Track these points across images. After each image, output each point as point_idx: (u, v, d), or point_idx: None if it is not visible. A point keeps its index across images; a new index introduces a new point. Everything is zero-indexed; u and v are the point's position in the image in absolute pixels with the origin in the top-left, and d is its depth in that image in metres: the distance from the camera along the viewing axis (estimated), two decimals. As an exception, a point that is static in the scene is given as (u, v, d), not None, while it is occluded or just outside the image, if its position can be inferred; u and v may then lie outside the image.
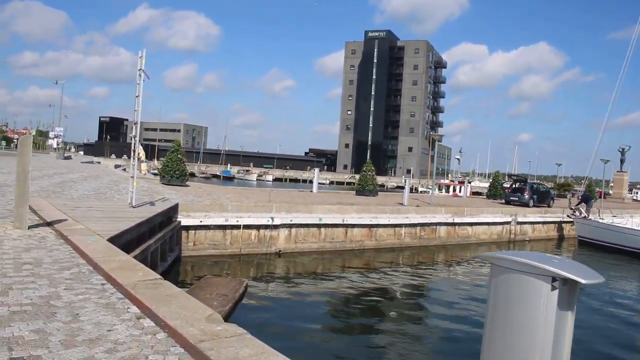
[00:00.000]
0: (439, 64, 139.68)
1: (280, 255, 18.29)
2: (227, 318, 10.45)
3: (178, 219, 15.73)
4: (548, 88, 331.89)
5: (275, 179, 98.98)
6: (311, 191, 30.36)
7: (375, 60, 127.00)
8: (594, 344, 11.51)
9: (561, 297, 4.60)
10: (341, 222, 20.07)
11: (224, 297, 11.30)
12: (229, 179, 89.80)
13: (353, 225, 20.52)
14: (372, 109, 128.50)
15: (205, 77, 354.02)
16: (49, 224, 9.51)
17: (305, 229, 19.21)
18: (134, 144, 13.62)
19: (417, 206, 24.57)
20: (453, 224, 24.63)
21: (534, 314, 4.63)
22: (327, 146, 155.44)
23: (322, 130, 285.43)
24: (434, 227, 23.80)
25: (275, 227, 18.23)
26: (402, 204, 25.29)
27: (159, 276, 6.24)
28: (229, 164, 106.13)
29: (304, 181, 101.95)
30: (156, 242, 12.07)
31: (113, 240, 8.77)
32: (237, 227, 17.30)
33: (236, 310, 11.20)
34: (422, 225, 23.15)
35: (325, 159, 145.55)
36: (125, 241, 9.82)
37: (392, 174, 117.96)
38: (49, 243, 7.77)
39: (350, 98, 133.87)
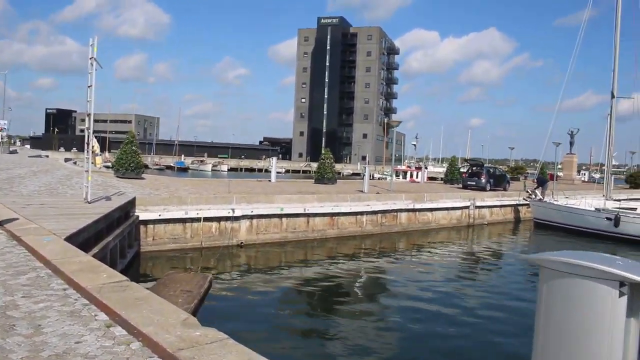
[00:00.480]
0: (392, 50, 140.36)
1: (242, 247, 17.91)
2: (194, 315, 10.09)
3: (136, 214, 15.17)
4: (498, 73, 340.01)
5: (231, 169, 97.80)
6: (269, 181, 29.92)
7: (328, 47, 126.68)
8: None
9: (629, 303, 4.17)
10: (302, 212, 19.80)
11: (188, 293, 10.90)
12: (183, 170, 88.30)
13: (315, 215, 20.27)
14: (326, 97, 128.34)
15: (157, 67, 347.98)
16: (-1, 224, 8.92)
17: (267, 220, 18.87)
18: (88, 136, 12.96)
19: (378, 193, 24.50)
20: (414, 210, 24.68)
21: (597, 322, 4.19)
22: (281, 134, 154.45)
23: (276, 119, 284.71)
24: (395, 213, 23.78)
25: (236, 218, 17.83)
26: (362, 191, 25.16)
27: (125, 277, 5.85)
28: (182, 155, 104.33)
29: (260, 170, 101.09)
30: (115, 239, 11.55)
31: (70, 239, 8.28)
32: (197, 219, 16.82)
33: (202, 307, 10.83)
34: (383, 212, 23.10)
35: (280, 148, 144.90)
36: (83, 239, 9.32)
37: (348, 161, 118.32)
38: (0, 245, 7.23)
39: (304, 86, 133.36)
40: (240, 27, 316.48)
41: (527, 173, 63.56)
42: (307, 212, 19.89)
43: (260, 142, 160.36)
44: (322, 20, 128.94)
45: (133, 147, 22.65)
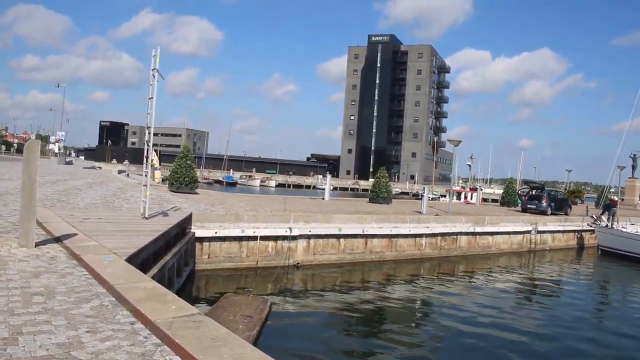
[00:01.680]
0: (443, 69, 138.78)
1: (299, 267, 17.24)
2: (255, 343, 9.42)
3: (192, 230, 14.69)
4: (549, 94, 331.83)
5: (278, 185, 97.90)
6: (323, 199, 29.29)
7: (378, 65, 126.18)
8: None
9: None
10: (361, 233, 19.02)
11: (249, 319, 10.24)
12: (231, 184, 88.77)
13: (373, 236, 19.46)
14: (375, 114, 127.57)
15: (207, 82, 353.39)
16: (58, 240, 8.46)
17: (324, 240, 18.16)
18: (147, 149, 12.55)
19: (437, 215, 23.50)
20: (474, 234, 23.58)
21: None
22: (328, 151, 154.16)
23: (323, 135, 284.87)
24: (455, 236, 22.74)
25: (294, 238, 17.17)
26: (420, 212, 24.23)
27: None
28: (231, 170, 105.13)
29: (307, 187, 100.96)
30: (172, 257, 11.01)
31: (131, 259, 7.73)
32: (253, 238, 16.24)
33: (263, 334, 10.15)
34: (443, 235, 22.11)
35: (328, 165, 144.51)
36: (143, 259, 8.79)
37: (396, 180, 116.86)
38: (61, 265, 6.71)
39: (353, 103, 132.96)
40: (291, 44, 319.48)
41: (585, 197, 61.24)
42: (365, 233, 19.10)
43: (308, 159, 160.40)
44: (373, 38, 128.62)
45: (188, 162, 22.34)
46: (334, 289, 15.63)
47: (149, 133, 12.23)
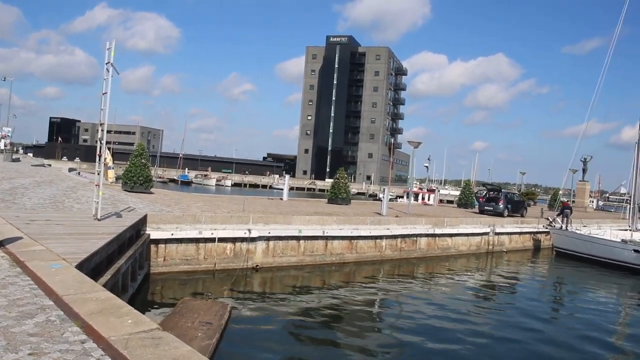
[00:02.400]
0: (400, 71, 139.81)
1: (258, 270, 16.77)
2: (214, 351, 8.95)
3: (147, 232, 14.06)
4: (504, 98, 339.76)
5: (234, 184, 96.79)
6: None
7: (336, 66, 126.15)
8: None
9: None
10: (321, 234, 18.69)
11: (208, 325, 9.74)
12: (186, 183, 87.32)
13: (333, 238, 19.17)
14: (332, 115, 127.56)
15: (163, 80, 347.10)
16: (0, 245, 7.80)
17: (284, 242, 17.76)
18: (100, 147, 11.87)
19: (397, 216, 23.35)
20: (433, 235, 23.56)
21: None
22: (284, 151, 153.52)
23: (280, 135, 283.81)
24: (415, 238, 22.65)
25: (253, 239, 16.70)
26: (380, 213, 24.05)
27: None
28: (186, 169, 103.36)
29: (264, 186, 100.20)
30: (127, 262, 10.41)
31: (82, 265, 7.16)
32: (211, 240, 15.70)
33: (222, 340, 9.67)
34: (403, 236, 21.98)
35: (284, 164, 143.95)
36: (95, 264, 8.21)
37: (353, 180, 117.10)
38: (2, 274, 6.09)
39: (310, 103, 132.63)
40: (249, 44, 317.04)
41: (538, 198, 62.55)
42: (325, 234, 18.78)
43: (264, 158, 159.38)
44: (331, 39, 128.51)
45: (143, 160, 21.53)
46: (294, 292, 15.23)
47: (102, 130, 11.58)
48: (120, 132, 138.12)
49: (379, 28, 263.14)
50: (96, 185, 12.11)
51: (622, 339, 14.13)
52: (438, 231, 23.68)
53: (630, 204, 32.76)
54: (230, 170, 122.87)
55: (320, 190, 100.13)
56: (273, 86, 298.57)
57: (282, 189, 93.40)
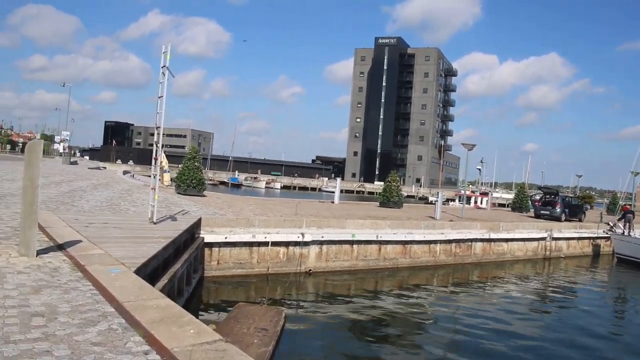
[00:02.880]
0: (450, 72, 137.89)
1: (311, 274, 16.60)
2: (272, 358, 8.79)
3: (201, 235, 14.06)
4: (556, 98, 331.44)
5: (284, 187, 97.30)
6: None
7: (385, 68, 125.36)
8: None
9: None
10: (375, 239, 18.38)
11: (264, 332, 9.60)
12: (236, 186, 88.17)
13: (387, 242, 18.82)
14: (381, 117, 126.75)
15: (213, 84, 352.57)
16: (61, 248, 7.83)
17: (337, 246, 17.51)
18: (156, 151, 11.91)
19: (451, 220, 22.82)
20: (489, 240, 22.92)
21: None
22: (332, 154, 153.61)
23: (328, 138, 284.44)
24: (470, 243, 22.07)
25: (306, 244, 16.52)
26: (433, 217, 23.57)
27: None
28: (236, 171, 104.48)
29: (313, 189, 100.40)
30: (182, 266, 10.38)
31: (140, 270, 7.11)
32: (264, 244, 15.60)
33: (278, 347, 9.50)
34: (458, 241, 21.45)
35: (333, 167, 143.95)
36: (152, 269, 8.17)
37: (402, 183, 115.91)
38: (64, 278, 6.06)
39: (359, 105, 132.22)
40: (298, 47, 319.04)
41: (594, 202, 60.47)
42: (379, 239, 18.45)
43: (313, 161, 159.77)
44: (380, 40, 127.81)
45: (196, 163, 21.70)
46: (348, 298, 14.99)
47: (158, 134, 11.61)
48: (171, 135, 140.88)
49: (428, 29, 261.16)
50: (152, 188, 12.16)
51: None
52: (493, 236, 23.03)
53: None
54: (279, 173, 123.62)
55: (369, 193, 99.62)
56: (321, 89, 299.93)
57: (331, 192, 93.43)
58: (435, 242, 20.51)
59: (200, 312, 11.90)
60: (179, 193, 21.60)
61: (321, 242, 17.00)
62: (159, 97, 11.55)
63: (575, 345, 12.09)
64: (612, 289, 22.80)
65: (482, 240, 22.57)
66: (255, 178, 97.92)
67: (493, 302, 16.52)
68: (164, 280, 8.47)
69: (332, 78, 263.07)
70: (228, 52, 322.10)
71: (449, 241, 21.08)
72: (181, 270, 10.20)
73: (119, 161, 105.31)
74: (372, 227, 18.61)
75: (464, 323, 13.55)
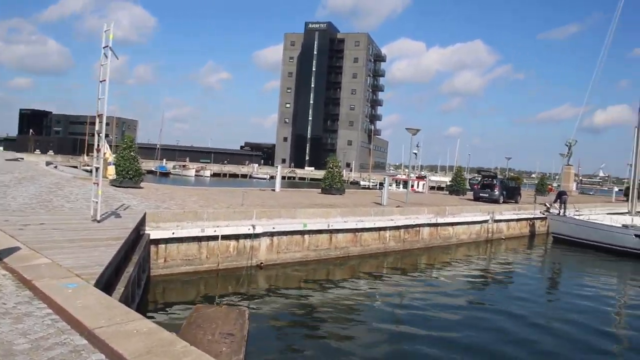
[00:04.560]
0: (379, 57, 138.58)
1: (262, 267, 15.80)
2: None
3: (146, 232, 12.96)
4: (479, 84, 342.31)
5: (214, 174, 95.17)
6: (273, 190, 27.77)
7: (315, 53, 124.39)
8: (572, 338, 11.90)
9: None
10: (326, 228, 17.78)
11: (230, 337, 8.75)
12: (164, 174, 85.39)
13: (337, 231, 18.28)
14: (311, 102, 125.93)
15: (137, 69, 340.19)
16: (-2, 258, 6.69)
17: (288, 237, 16.79)
18: (98, 140, 10.73)
19: (398, 206, 22.48)
20: (436, 225, 22.83)
21: None
22: (262, 139, 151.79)
23: (256, 124, 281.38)
24: (417, 228, 21.89)
25: (257, 236, 15.69)
26: (379, 203, 23.18)
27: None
28: (164, 159, 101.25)
29: (244, 176, 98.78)
30: (134, 269, 9.35)
31: (98, 282, 6.11)
32: (214, 238, 14.64)
33: (247, 352, 8.69)
34: (406, 227, 21.19)
35: (262, 153, 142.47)
36: (107, 277, 7.16)
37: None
38: (10, 300, 5.01)
39: (288, 91, 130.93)
40: (226, 32, 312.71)
41: (523, 183, 62.33)
42: (330, 228, 17.86)
43: (242, 147, 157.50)
44: (310, 25, 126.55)
45: (132, 153, 20.28)
46: (302, 291, 14.33)
47: (100, 122, 10.44)
48: (94, 124, 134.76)
49: (358, 15, 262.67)
50: (94, 183, 10.99)
51: (622, 323, 14.52)
52: (440, 220, 22.96)
53: (632, 188, 32.26)
54: (208, 160, 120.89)
55: (300, 178, 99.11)
56: (250, 74, 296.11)
57: (262, 179, 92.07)
58: (384, 228, 20.14)
59: (154, 317, 10.90)
60: (113, 185, 20.09)
61: (272, 234, 16.22)
62: (101, 81, 10.37)
63: (510, 329, 12.38)
64: (550, 266, 23.97)
65: (429, 225, 22.43)
66: (184, 166, 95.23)
67: (439, 288, 16.51)
68: (119, 289, 7.45)
69: (261, 63, 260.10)
70: (153, 37, 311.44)
71: (398, 227, 20.78)
72: (134, 274, 9.17)
73: (37, 151, 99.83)
74: (323, 216, 17.95)
75: (413, 311, 13.45)
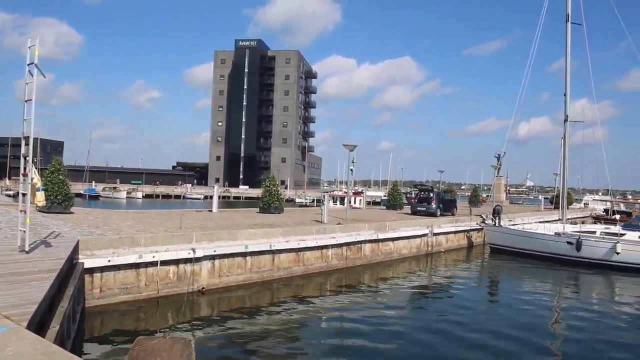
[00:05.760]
0: (310, 74, 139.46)
1: (204, 292, 15.20)
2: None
3: (80, 260, 12.17)
4: (410, 99, 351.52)
5: (146, 196, 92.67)
6: (210, 211, 27.07)
7: (246, 70, 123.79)
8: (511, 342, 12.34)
9: None
10: (268, 249, 17.35)
11: (178, 373, 8.19)
12: (94, 197, 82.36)
13: (280, 251, 17.89)
14: (243, 120, 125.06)
15: (63, 88, 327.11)
16: None
17: (230, 260, 16.26)
18: (25, 164, 9.96)
19: (339, 224, 22.32)
20: (377, 241, 22.83)
21: None
22: (195, 159, 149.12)
23: (188, 143, 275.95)
24: (359, 245, 21.79)
25: (197, 259, 15.10)
26: (319, 221, 22.95)
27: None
28: (93, 182, 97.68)
29: (177, 197, 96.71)
30: (69, 303, 8.66)
31: (30, 324, 5.52)
32: (152, 264, 13.95)
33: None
34: (348, 244, 21.07)
35: (195, 172, 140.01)
36: (41, 316, 6.52)
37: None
38: None
39: (220, 109, 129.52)
40: (155, 51, 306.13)
41: (458, 195, 63.87)
42: (272, 248, 17.45)
43: (174, 167, 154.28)
44: (240, 43, 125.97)
45: (60, 176, 19.23)
46: (246, 316, 13.85)
47: (27, 144, 9.70)
48: (16, 146, 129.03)
49: (290, 32, 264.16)
50: (21, 211, 10.19)
51: (559, 325, 15.26)
52: (381, 236, 22.99)
53: (562, 197, 33.43)
54: (140, 182, 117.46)
55: (235, 197, 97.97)
56: (181, 93, 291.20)
57: (196, 199, 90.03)
58: (327, 247, 19.93)
59: (88, 353, 10.17)
60: (42, 211, 18.95)
61: (213, 257, 15.67)
62: (26, 101, 9.64)
63: (451, 334, 12.88)
64: (488, 276, 24.43)
65: (370, 241, 22.40)
66: (114, 188, 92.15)
67: (381, 304, 16.45)
68: (54, 327, 6.82)
69: (191, 82, 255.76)
70: (79, 55, 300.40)
71: (340, 245, 20.61)
72: (69, 309, 8.49)
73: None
74: (264, 237, 17.54)
75: (359, 326, 13.46)
